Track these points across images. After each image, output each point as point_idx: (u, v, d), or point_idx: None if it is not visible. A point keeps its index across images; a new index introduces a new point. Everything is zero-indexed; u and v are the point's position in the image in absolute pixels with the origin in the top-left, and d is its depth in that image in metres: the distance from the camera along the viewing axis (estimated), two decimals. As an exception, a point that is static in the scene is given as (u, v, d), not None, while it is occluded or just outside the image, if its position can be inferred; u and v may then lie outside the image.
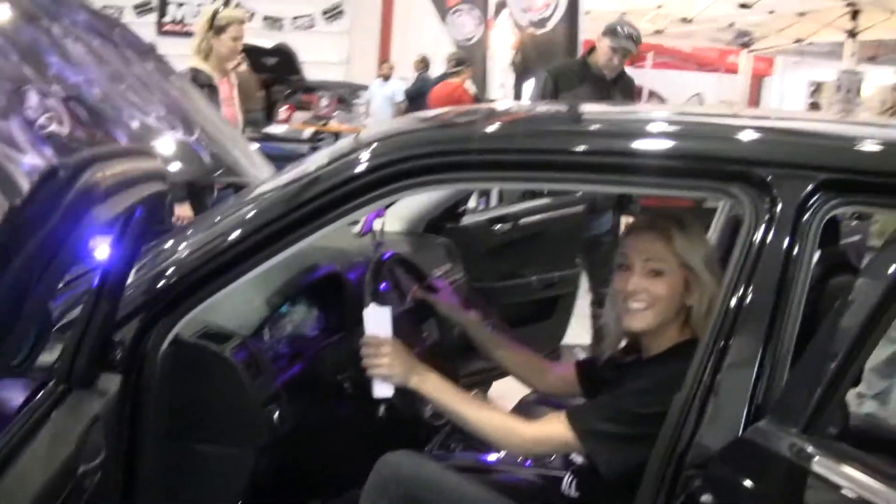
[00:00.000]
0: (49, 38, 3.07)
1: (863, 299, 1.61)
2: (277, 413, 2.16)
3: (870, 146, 1.85)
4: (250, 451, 2.12)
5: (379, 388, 2.17)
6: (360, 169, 1.98)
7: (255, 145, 5.52)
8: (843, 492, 1.47)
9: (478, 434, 2.17)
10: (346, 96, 13.53)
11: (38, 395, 1.68)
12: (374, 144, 2.04)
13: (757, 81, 14.92)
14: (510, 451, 2.22)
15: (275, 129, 11.42)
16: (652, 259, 2.07)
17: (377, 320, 2.19)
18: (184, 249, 2.06)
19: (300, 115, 12.27)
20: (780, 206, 1.74)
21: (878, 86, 12.04)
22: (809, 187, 1.74)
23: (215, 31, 4.92)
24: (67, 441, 1.58)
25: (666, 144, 1.94)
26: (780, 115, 2.73)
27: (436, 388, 2.18)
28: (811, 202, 1.74)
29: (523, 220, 4.25)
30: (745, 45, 12.69)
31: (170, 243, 2.15)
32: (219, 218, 2.12)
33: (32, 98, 2.78)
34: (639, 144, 1.95)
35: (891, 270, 1.60)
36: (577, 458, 2.18)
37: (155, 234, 1.89)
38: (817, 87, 12.12)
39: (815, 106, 14.32)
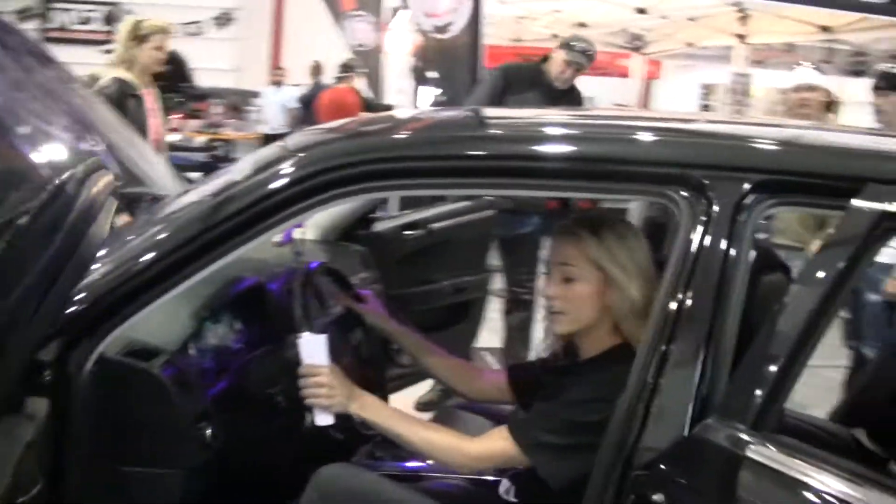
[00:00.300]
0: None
1: (801, 304, 1.64)
2: (209, 431, 2.09)
3: (803, 148, 1.90)
4: (181, 472, 2.05)
5: (320, 417, 2.15)
6: (281, 182, 1.93)
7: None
8: (794, 484, 1.52)
9: (422, 454, 2.18)
10: (238, 103, 13.35)
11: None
12: (297, 156, 1.99)
13: (647, 84, 15.23)
14: (455, 469, 2.20)
15: (168, 137, 11.18)
16: (565, 263, 2.08)
17: (313, 349, 2.16)
18: (98, 269, 1.97)
19: (193, 124, 12.05)
20: (716, 208, 1.77)
21: (766, 87, 12.46)
22: (745, 188, 1.77)
23: (137, 41, 4.80)
24: (4, 472, 1.50)
25: (598, 148, 1.95)
26: (711, 118, 2.78)
27: (376, 412, 2.17)
28: (747, 203, 1.76)
29: (434, 226, 4.24)
30: (637, 49, 12.94)
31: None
32: (133, 237, 2.04)
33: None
34: (571, 148, 1.96)
35: (823, 276, 1.63)
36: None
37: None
38: (708, 90, 12.47)
39: (706, 108, 14.73)
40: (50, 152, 2.80)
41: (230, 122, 12.78)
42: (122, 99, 4.69)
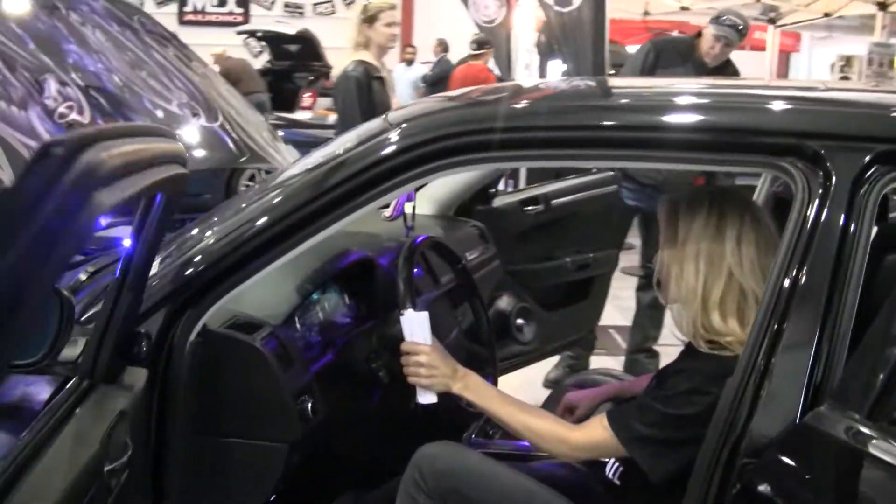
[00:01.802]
0: (67, 27, 3.03)
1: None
2: (310, 404, 2.08)
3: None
4: (283, 445, 2.05)
5: (422, 396, 2.13)
6: (389, 150, 1.90)
7: (280, 133, 5.48)
8: None
9: (526, 438, 2.11)
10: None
11: (62, 392, 1.62)
12: (404, 125, 1.96)
13: (784, 58, 14.68)
14: (556, 457, 2.14)
15: (299, 115, 11.37)
16: (664, 234, 2.02)
17: (415, 326, 2.13)
18: (210, 237, 1.99)
19: (324, 101, 12.20)
20: (834, 181, 1.65)
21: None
22: (866, 160, 1.64)
23: (369, 22, 4.90)
24: (92, 439, 1.52)
25: (713, 118, 1.84)
26: (832, 86, 2.62)
27: (479, 393, 2.14)
28: (867, 175, 1.64)
29: (556, 201, 4.16)
30: (772, 21, 12.44)
31: (195, 231, 2.07)
32: (245, 204, 2.04)
33: (51, 87, 2.74)
34: (687, 119, 1.86)
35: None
36: None
37: (179, 221, 1.81)
38: (847, 62, 11.90)
39: (845, 80, 14.03)
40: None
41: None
42: (369, 81, 4.82)
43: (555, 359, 4.71)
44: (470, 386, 2.13)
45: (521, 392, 3.50)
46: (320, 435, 2.19)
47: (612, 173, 4.35)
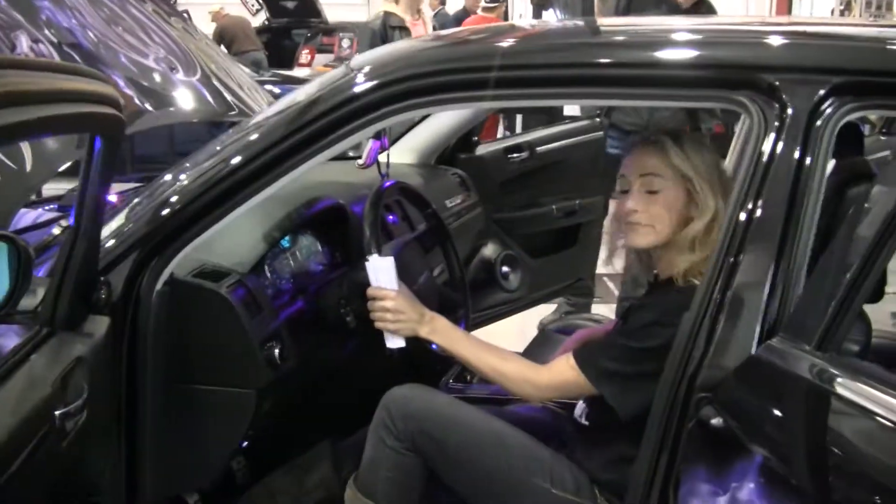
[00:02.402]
0: (39, -19, 2.99)
1: (879, 206, 1.49)
2: (278, 351, 2.07)
3: (887, 46, 1.72)
4: (252, 392, 2.05)
5: (390, 341, 2.14)
6: (363, 87, 1.88)
7: (276, 89, 5.43)
8: (860, 409, 1.37)
9: (492, 381, 2.11)
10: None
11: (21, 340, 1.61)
12: (377, 63, 1.95)
13: (786, 1, 14.46)
14: (525, 399, 2.15)
15: (297, 72, 11.30)
16: (649, 174, 1.99)
17: (380, 272, 2.12)
18: (180, 182, 1.97)
19: (322, 58, 12.13)
20: (789, 113, 1.62)
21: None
22: (821, 92, 1.61)
23: None
24: (43, 383, 1.51)
25: (670, 54, 1.82)
26: (789, 20, 2.58)
27: (447, 336, 2.14)
28: (823, 108, 1.61)
29: (541, 149, 4.12)
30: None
31: (166, 177, 2.06)
32: (220, 147, 2.03)
33: (23, 43, 2.71)
34: (644, 55, 1.83)
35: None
36: None
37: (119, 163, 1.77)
38: (847, 5, 11.74)
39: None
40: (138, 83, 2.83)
41: (359, 57, 12.77)
42: (386, 31, 4.82)
43: (552, 306, 4.71)
44: (437, 329, 2.13)
45: (514, 338, 3.54)
46: (291, 382, 2.19)
47: (598, 120, 4.31)
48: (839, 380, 1.40)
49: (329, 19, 13.58)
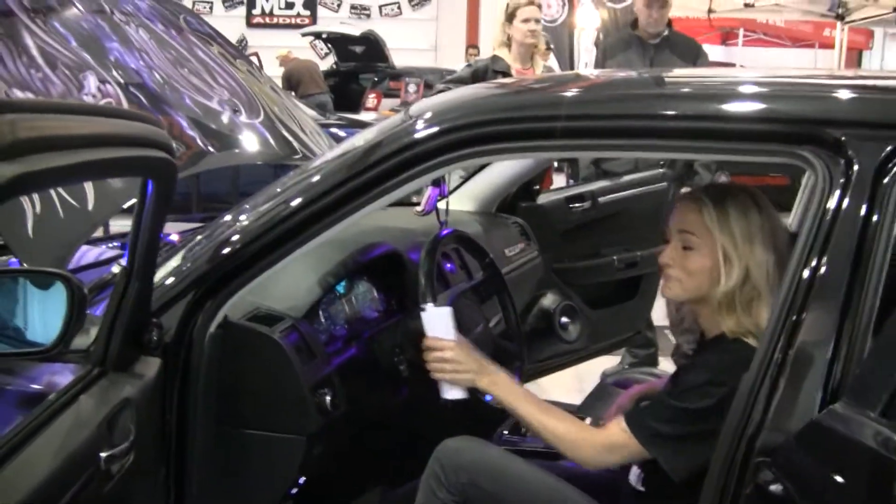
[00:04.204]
0: (110, 25, 3.06)
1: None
2: (330, 398, 2.07)
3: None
4: (302, 438, 2.04)
5: (447, 392, 2.11)
6: (423, 134, 1.89)
7: (342, 132, 5.48)
8: None
9: (548, 442, 2.05)
10: (434, 82, 13.46)
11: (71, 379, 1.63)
12: (438, 110, 1.96)
13: (855, 56, 14.31)
14: (581, 463, 2.05)
15: (364, 116, 11.43)
16: (685, 231, 1.98)
17: (436, 321, 2.11)
18: (238, 224, 1.99)
19: (388, 102, 12.25)
20: (855, 169, 1.58)
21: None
22: (889, 147, 1.57)
23: (509, 20, 4.90)
24: (89, 424, 1.52)
25: (735, 106, 1.79)
26: (857, 73, 2.54)
27: (505, 390, 2.10)
28: (891, 164, 1.57)
29: (603, 199, 4.10)
30: (840, 18, 12.13)
31: (225, 218, 2.08)
32: (279, 189, 2.04)
33: (91, 83, 2.77)
34: (709, 107, 1.81)
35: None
36: None
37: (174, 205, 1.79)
38: (919, 59, 11.56)
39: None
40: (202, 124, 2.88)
41: (426, 103, 12.87)
42: (485, 74, 4.85)
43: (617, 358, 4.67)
44: (497, 382, 2.10)
45: (573, 390, 3.46)
46: (342, 429, 2.17)
47: (661, 171, 4.28)
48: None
49: (396, 64, 13.74)
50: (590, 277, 4.09)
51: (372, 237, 2.58)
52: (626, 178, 4.25)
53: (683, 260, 1.98)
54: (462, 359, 2.09)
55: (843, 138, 1.60)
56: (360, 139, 2.05)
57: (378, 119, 11.25)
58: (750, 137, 1.73)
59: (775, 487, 1.52)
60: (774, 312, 1.63)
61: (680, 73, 2.36)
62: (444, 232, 2.46)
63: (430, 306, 2.10)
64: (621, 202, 4.14)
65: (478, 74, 4.78)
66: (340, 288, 2.40)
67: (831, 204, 1.60)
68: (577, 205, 4.04)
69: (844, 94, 1.77)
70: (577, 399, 2.60)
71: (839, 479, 1.47)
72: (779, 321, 1.60)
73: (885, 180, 1.57)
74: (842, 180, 1.59)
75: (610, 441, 1.98)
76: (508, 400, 2.08)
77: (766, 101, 1.77)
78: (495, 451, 2.18)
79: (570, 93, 2.00)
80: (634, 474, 2.11)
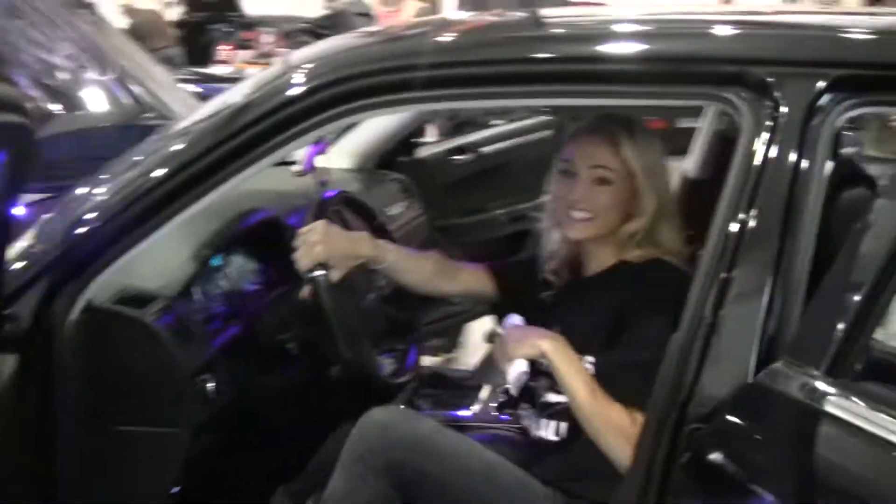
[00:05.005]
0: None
1: (887, 222, 1.40)
2: (212, 384, 1.93)
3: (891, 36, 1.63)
4: (184, 430, 1.90)
5: (512, 371, 1.88)
6: (296, 91, 1.75)
7: (197, 88, 5.24)
8: (876, 439, 1.28)
9: (590, 430, 1.83)
10: (292, 31, 13.12)
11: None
12: (312, 64, 1.81)
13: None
14: (618, 461, 1.79)
15: (218, 69, 11.05)
16: (599, 166, 1.96)
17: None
18: (96, 196, 1.83)
19: (243, 54, 11.88)
20: (784, 111, 1.52)
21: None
22: (819, 87, 1.51)
23: None
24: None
25: (644, 47, 1.70)
26: (777, 9, 2.51)
27: (567, 361, 1.86)
28: (821, 104, 1.51)
29: (486, 150, 4.02)
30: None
31: (79, 191, 1.90)
32: (141, 156, 1.88)
33: None
34: (615, 48, 1.71)
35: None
36: (553, 398, 1.98)
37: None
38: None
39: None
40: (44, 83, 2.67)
41: (285, 52, 12.55)
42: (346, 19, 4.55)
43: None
44: (559, 349, 1.86)
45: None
46: (228, 417, 2.04)
47: (547, 118, 4.21)
48: (854, 407, 1.32)
49: (251, 12, 13.33)
50: (475, 234, 4.02)
51: (246, 203, 2.42)
52: (511, 126, 4.18)
53: (597, 195, 1.95)
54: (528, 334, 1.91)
55: (769, 78, 1.53)
56: (229, 98, 1.90)
57: (235, 73, 10.91)
58: (667, 79, 1.65)
59: (713, 455, 1.46)
60: (702, 268, 1.56)
61: (580, 13, 2.27)
62: (328, 194, 2.32)
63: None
64: (505, 153, 4.08)
65: (338, 20, 4.57)
66: (217, 261, 2.25)
67: (759, 150, 1.53)
68: (458, 157, 3.95)
69: (769, 31, 1.71)
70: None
71: (783, 442, 1.42)
72: (707, 277, 1.54)
73: (815, 122, 1.51)
74: (769, 124, 1.53)
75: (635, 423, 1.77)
76: (567, 373, 1.85)
77: (684, 41, 1.69)
78: (427, 424, 2.00)
79: (447, 38, 1.86)
80: (545, 425, 2.02)
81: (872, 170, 2.02)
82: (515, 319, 2.00)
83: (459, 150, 3.97)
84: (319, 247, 2.00)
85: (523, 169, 4.09)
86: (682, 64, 1.65)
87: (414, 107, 2.51)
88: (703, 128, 2.84)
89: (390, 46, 1.96)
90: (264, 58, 12.04)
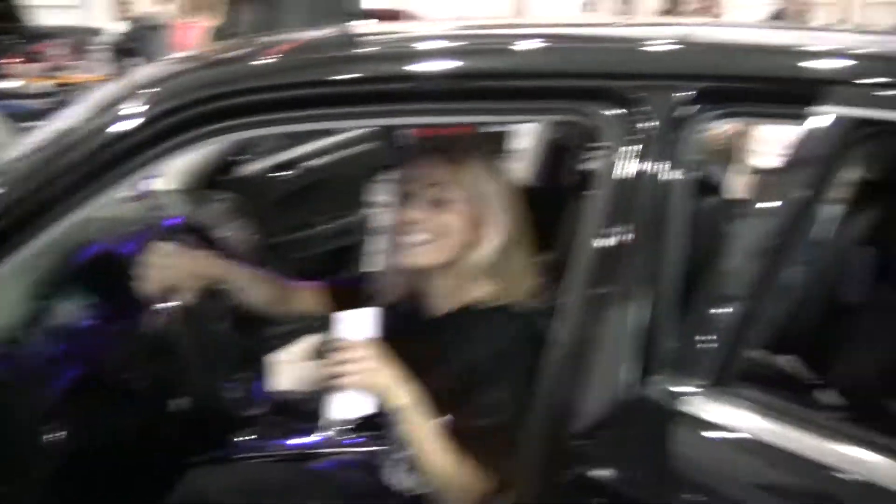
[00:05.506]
0: None
1: (755, 237, 1.45)
2: (55, 433, 1.81)
3: (753, 50, 1.68)
4: (22, 487, 1.77)
5: (351, 407, 1.76)
6: (131, 124, 1.61)
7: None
8: (768, 447, 1.34)
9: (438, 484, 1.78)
10: (84, 43, 12.61)
11: None
12: (149, 91, 1.68)
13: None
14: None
15: (4, 84, 10.50)
16: (436, 186, 1.87)
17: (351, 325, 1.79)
18: None
19: (33, 68, 11.35)
20: (648, 124, 1.54)
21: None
22: (683, 99, 1.53)
23: None
24: None
25: (504, 62, 1.68)
26: (630, 21, 2.55)
27: (422, 421, 1.75)
28: (686, 117, 1.54)
29: (308, 164, 3.96)
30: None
31: None
32: None
33: None
34: (464, 64, 1.67)
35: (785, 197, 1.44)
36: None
37: None
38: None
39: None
40: None
41: (77, 65, 12.04)
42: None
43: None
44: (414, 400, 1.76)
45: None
46: (72, 467, 1.92)
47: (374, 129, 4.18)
48: (733, 414, 1.37)
49: (41, 23, 12.73)
50: (302, 250, 3.95)
51: (78, 234, 2.28)
52: (335, 138, 4.12)
53: (436, 217, 1.86)
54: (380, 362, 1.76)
55: (632, 93, 1.55)
56: (63, 122, 1.77)
57: (28, 86, 10.40)
58: (528, 95, 1.64)
59: (596, 471, 1.47)
60: (572, 286, 1.55)
61: (417, 27, 2.24)
62: (169, 221, 2.22)
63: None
64: (329, 167, 4.02)
65: (138, 33, 4.37)
66: (50, 300, 2.11)
67: (624, 163, 1.54)
68: (279, 174, 3.88)
69: (629, 45, 1.73)
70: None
71: (663, 452, 1.43)
72: (578, 296, 1.54)
73: (680, 134, 1.54)
74: (634, 137, 1.54)
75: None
76: (422, 435, 1.75)
77: (545, 55, 1.69)
78: (244, 472, 1.96)
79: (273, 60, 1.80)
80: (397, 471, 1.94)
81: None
82: (356, 322, 1.79)
83: (281, 166, 3.88)
84: (166, 270, 1.93)
85: (347, 181, 4.04)
86: (543, 80, 1.64)
87: (254, 131, 2.41)
88: (537, 136, 2.88)
89: (225, 69, 1.86)
90: (55, 71, 11.55)
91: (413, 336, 1.89)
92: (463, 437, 1.74)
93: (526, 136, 3.12)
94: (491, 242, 1.87)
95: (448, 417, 1.76)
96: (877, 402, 1.65)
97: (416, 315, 1.98)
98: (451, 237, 1.86)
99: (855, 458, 1.28)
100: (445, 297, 1.93)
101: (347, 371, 1.74)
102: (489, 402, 1.76)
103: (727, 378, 1.40)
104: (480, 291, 1.89)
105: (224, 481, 1.94)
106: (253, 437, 2.50)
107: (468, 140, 1.94)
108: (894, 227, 1.81)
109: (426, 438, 1.74)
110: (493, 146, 1.99)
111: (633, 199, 1.53)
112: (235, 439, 2.51)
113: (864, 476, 1.27)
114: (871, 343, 1.74)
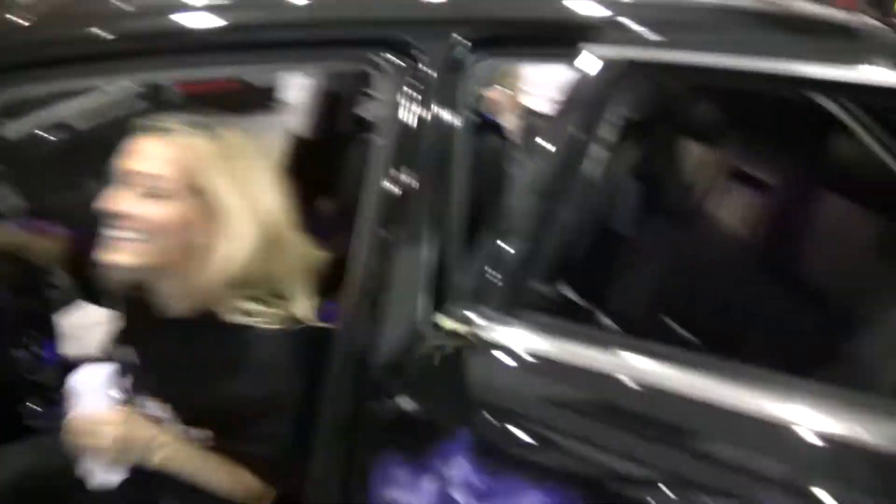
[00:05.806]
0: None
1: (534, 176, 1.54)
2: None
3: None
4: None
5: (103, 475, 1.73)
6: None
7: None
8: (554, 363, 1.44)
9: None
10: None
11: None
12: None
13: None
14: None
15: None
16: (149, 175, 1.64)
17: (85, 384, 1.73)
18: None
19: None
20: (425, 69, 1.61)
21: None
22: (460, 45, 1.61)
23: None
24: None
25: (286, 14, 1.71)
26: None
27: (182, 457, 1.71)
28: (463, 62, 1.62)
29: (85, 125, 3.82)
30: None
31: None
32: None
33: None
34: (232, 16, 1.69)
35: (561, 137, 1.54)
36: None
37: None
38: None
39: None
40: None
41: None
42: None
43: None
44: (173, 452, 1.70)
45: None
46: None
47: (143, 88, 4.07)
48: (520, 336, 1.46)
49: None
50: (74, 212, 3.80)
51: None
52: (105, 98, 3.98)
53: (147, 212, 1.62)
54: (134, 430, 1.68)
55: (410, 39, 1.61)
56: None
57: None
58: (311, 45, 1.68)
59: (403, 403, 1.53)
60: (361, 231, 1.61)
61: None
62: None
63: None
64: (100, 128, 3.90)
65: None
66: None
67: (406, 109, 1.61)
68: (48, 136, 3.72)
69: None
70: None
71: (461, 378, 1.52)
72: (366, 238, 1.60)
73: (457, 79, 1.61)
74: (414, 83, 1.61)
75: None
76: (184, 466, 1.72)
77: (322, 5, 1.72)
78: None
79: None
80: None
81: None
82: (90, 378, 1.74)
83: (56, 126, 3.73)
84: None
85: (118, 141, 3.92)
86: (322, 29, 1.68)
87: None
88: (312, 87, 2.90)
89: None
90: None
91: (147, 333, 1.80)
92: (232, 457, 1.74)
93: (298, 89, 3.13)
94: (234, 251, 1.65)
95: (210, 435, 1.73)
96: (644, 317, 1.80)
97: (148, 310, 1.81)
98: (168, 239, 1.64)
99: (630, 364, 1.40)
100: (175, 300, 1.75)
101: (98, 444, 1.66)
102: (259, 433, 1.73)
103: (515, 306, 1.49)
104: (236, 301, 1.70)
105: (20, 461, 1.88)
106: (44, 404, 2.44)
107: (197, 122, 1.71)
108: (657, 163, 1.96)
109: (196, 470, 1.72)
110: (261, 101, 1.95)
111: (416, 142, 1.61)
112: (28, 406, 2.43)
113: (638, 379, 1.38)
114: (637, 267, 1.89)
